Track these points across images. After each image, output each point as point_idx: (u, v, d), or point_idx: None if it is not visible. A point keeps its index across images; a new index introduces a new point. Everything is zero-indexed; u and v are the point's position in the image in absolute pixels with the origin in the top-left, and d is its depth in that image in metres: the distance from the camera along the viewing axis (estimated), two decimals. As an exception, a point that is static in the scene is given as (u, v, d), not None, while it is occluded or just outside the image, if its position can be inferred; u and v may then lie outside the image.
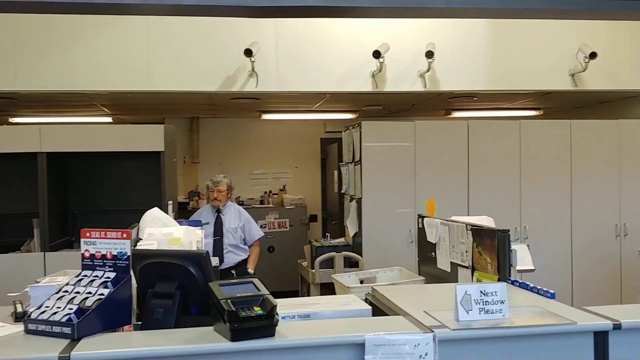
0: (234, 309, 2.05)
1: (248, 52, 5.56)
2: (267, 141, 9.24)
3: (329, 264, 5.56)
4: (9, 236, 5.36)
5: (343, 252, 5.59)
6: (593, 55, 6.28)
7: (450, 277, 3.61)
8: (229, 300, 2.08)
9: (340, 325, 2.35)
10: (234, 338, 2.04)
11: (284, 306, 2.51)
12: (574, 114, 8.60)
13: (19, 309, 2.42)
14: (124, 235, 2.33)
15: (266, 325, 2.09)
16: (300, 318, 2.42)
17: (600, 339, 2.21)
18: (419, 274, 4.18)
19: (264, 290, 2.19)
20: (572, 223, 6.11)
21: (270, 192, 9.10)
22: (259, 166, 9.25)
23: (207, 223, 5.23)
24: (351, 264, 5.63)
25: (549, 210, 6.11)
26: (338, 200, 7.48)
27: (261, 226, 8.41)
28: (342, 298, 2.72)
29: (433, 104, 7.82)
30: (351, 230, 6.08)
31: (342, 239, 6.28)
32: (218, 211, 5.55)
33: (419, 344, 2.07)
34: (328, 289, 4.91)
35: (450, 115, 8.58)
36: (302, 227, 8.51)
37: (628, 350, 2.21)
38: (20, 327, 2.22)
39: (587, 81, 6.72)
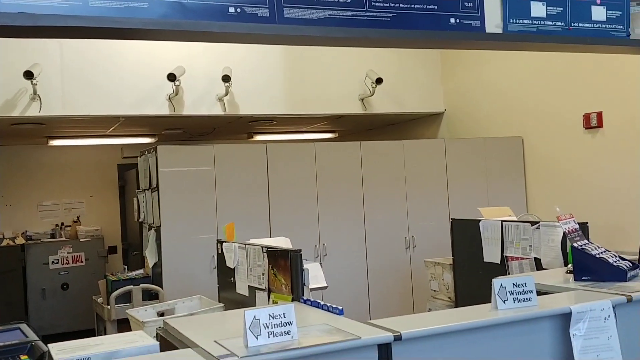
0: (-6, 361, 1.81)
1: (28, 74, 5.14)
2: (57, 169, 8.60)
3: (127, 298, 5.26)
4: None
5: (141, 285, 5.32)
6: (379, 80, 6.74)
7: (249, 301, 3.59)
8: (-12, 351, 1.84)
9: (123, 365, 2.19)
10: (-6, 394, 1.80)
11: (61, 350, 2.28)
12: (366, 135, 9.16)
13: None
14: None
15: (34, 375, 1.88)
16: (79, 362, 2.21)
17: (384, 350, 2.29)
18: (219, 301, 4.11)
19: (33, 336, 1.98)
20: (367, 238, 6.43)
21: (62, 224, 8.45)
22: (48, 197, 8.57)
23: None
24: (151, 296, 5.38)
25: (345, 227, 6.37)
26: (139, 229, 7.17)
27: (52, 262, 7.81)
28: (129, 336, 2.54)
29: (234, 128, 7.85)
30: (150, 260, 5.82)
31: (141, 271, 5.99)
32: None
33: (206, 377, 1.99)
34: (126, 324, 4.64)
35: (253, 139, 8.68)
36: (100, 260, 8.02)
37: (410, 359, 2.31)
38: None
39: (375, 105, 7.19)
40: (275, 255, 3.29)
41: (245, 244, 3.72)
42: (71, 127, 7.07)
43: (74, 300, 7.56)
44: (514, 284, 2.61)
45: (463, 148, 6.89)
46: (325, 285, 3.32)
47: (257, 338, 2.21)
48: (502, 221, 4.24)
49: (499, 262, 4.20)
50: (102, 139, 7.99)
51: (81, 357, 2.24)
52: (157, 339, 2.63)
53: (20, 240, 8.01)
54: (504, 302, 2.57)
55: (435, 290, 5.02)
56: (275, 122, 7.56)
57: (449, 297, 4.83)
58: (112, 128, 7.21)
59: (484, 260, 4.30)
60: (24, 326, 2.02)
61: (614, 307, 2.65)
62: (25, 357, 1.88)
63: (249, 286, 3.63)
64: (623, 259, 3.21)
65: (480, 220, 4.42)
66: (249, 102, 6.55)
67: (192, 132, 8.06)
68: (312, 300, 2.97)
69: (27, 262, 7.76)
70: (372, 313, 6.29)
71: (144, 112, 6.07)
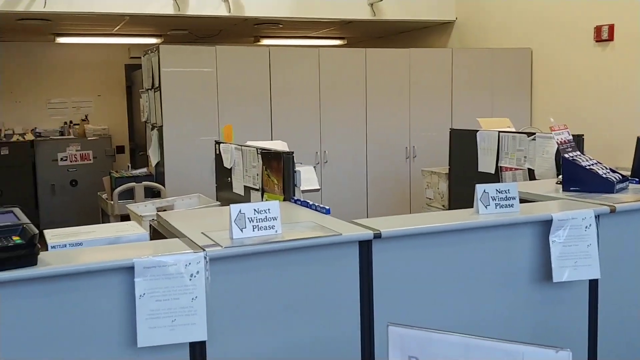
0: (-12, 240, 1.91)
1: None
2: (65, 68, 8.59)
3: (130, 195, 5.40)
4: None
5: (143, 182, 5.45)
6: (389, -15, 6.56)
7: (244, 200, 3.69)
8: (-17, 231, 1.93)
9: (111, 250, 2.29)
10: (-10, 269, 1.90)
11: (55, 236, 2.40)
12: (375, 43, 9.01)
13: None
14: None
15: (26, 254, 1.98)
16: (71, 246, 2.32)
17: (365, 247, 2.38)
18: (217, 200, 4.22)
19: (24, 219, 2.07)
20: (367, 147, 6.47)
21: (71, 122, 8.54)
22: (57, 95, 8.60)
23: None
24: (153, 194, 5.51)
25: (346, 135, 6.40)
26: (145, 130, 7.24)
27: (61, 159, 7.95)
28: (121, 225, 2.65)
29: (240, 30, 7.74)
30: (153, 159, 5.93)
31: (144, 169, 6.11)
32: None
33: (189, 264, 2.09)
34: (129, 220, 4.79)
35: (259, 43, 8.57)
36: (107, 159, 8.15)
37: (388, 256, 2.41)
38: None
39: (385, 11, 7.03)
40: (268, 157, 3.36)
41: (241, 146, 3.78)
42: (77, 24, 7.00)
43: (82, 197, 7.75)
44: (497, 189, 2.66)
45: (470, 58, 6.79)
46: (318, 187, 3.39)
47: (241, 231, 2.30)
48: (499, 132, 4.25)
49: (493, 172, 4.24)
50: (109, 38, 7.93)
51: (73, 242, 2.36)
52: (149, 232, 2.74)
53: (29, 137, 8.13)
54: (486, 207, 2.64)
55: (430, 199, 5.11)
56: (281, 26, 7.44)
57: (443, 205, 4.92)
58: (118, 27, 7.14)
59: (479, 170, 4.35)
60: (17, 210, 2.11)
61: (597, 217, 2.71)
62: (17, 238, 1.97)
63: (244, 186, 3.72)
64: (614, 172, 3.24)
65: (478, 130, 4.44)
66: (254, 3, 6.43)
67: (197, 33, 7.96)
68: (302, 200, 3.05)
69: (37, 159, 7.91)
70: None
71: (148, 10, 5.99)
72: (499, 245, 2.60)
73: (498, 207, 2.65)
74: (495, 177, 4.20)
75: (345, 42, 9.06)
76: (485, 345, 1.45)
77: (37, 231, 2.02)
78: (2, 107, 8.23)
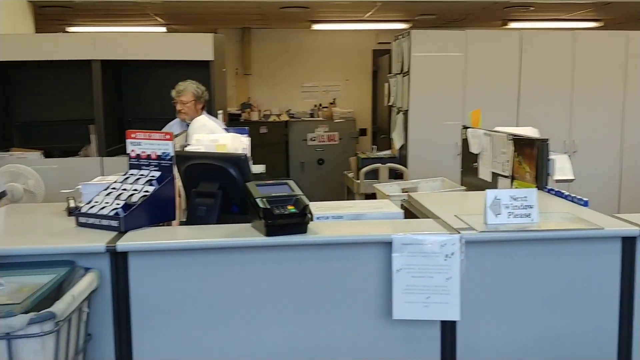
0: (268, 207, 2.15)
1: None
2: (318, 53, 9.17)
3: (374, 175, 5.64)
4: (68, 141, 5.61)
5: (388, 164, 5.65)
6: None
7: (490, 186, 3.63)
8: (264, 199, 2.18)
9: (371, 225, 2.44)
10: (268, 233, 2.15)
11: (319, 208, 2.62)
12: (637, 25, 8.17)
13: (72, 205, 2.60)
14: (167, 137, 2.43)
15: (298, 222, 2.19)
16: (333, 219, 2.52)
17: (628, 244, 2.23)
18: (462, 185, 4.22)
19: (298, 191, 2.28)
20: (624, 139, 5.95)
21: (320, 105, 9.12)
22: (309, 78, 9.23)
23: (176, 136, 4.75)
24: (396, 175, 5.69)
25: (600, 125, 5.95)
26: (388, 114, 7.47)
27: (310, 139, 8.54)
28: (377, 202, 2.80)
29: (488, 14, 7.57)
30: (397, 142, 6.10)
31: (388, 151, 6.32)
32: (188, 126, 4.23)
33: (445, 244, 2.14)
34: (373, 199, 5.00)
35: (507, 26, 8.30)
36: (351, 141, 8.55)
37: (656, 256, 2.23)
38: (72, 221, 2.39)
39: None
40: (521, 143, 3.27)
41: (490, 131, 3.73)
42: (332, 10, 7.43)
43: (328, 175, 8.26)
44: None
45: None
46: (572, 177, 3.22)
47: (496, 217, 2.30)
48: None
49: None
50: (359, 24, 8.28)
51: (335, 215, 2.55)
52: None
53: (284, 118, 8.86)
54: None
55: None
56: (532, 9, 7.12)
57: None
58: (370, 13, 7.43)
59: None
60: (291, 182, 2.33)
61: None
62: (292, 207, 2.19)
63: (492, 172, 3.67)
64: None
65: None
66: (508, -14, 6.24)
67: (445, 18, 7.95)
68: (556, 190, 2.93)
69: (290, 138, 8.59)
70: (623, 217, 5.91)
71: (399, -5, 6.13)
72: None
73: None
74: None
75: (602, 25, 8.37)
76: None
77: (308, 202, 2.22)
78: (263, 89, 9.08)
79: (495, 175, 3.62)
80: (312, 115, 8.98)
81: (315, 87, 9.28)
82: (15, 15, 5.74)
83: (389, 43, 6.64)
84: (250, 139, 3.43)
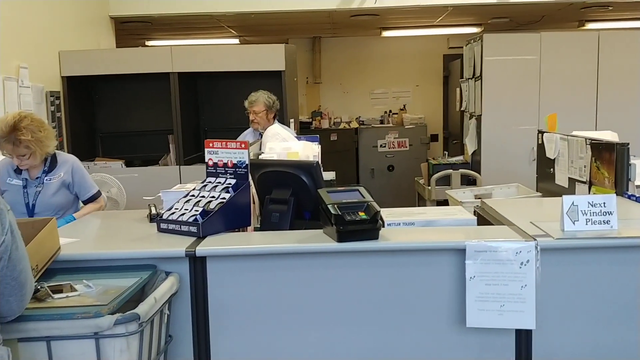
0: (340, 213, 2.18)
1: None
2: (388, 59, 9.16)
3: (445, 181, 5.59)
4: (148, 151, 5.85)
5: (460, 170, 5.58)
6: None
7: (567, 193, 3.53)
8: (335, 205, 2.21)
9: (443, 232, 2.43)
10: (339, 239, 2.18)
11: (390, 214, 2.62)
12: None
13: (153, 211, 2.71)
14: (242, 146, 2.51)
15: (370, 228, 2.21)
16: (405, 225, 2.52)
17: None
18: (537, 191, 4.12)
19: (369, 198, 2.30)
20: None
21: (390, 111, 9.10)
22: (379, 85, 9.24)
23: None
24: (469, 181, 5.61)
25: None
26: (460, 119, 7.38)
27: (380, 145, 8.53)
28: (449, 209, 2.78)
29: (564, 15, 7.37)
30: (470, 148, 6.02)
31: (460, 157, 6.25)
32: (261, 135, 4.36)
33: (520, 252, 2.11)
34: (445, 205, 4.96)
35: (584, 27, 8.05)
36: (422, 147, 8.50)
37: None
38: (154, 227, 2.50)
39: None
40: (599, 148, 3.18)
41: (567, 135, 3.64)
42: (402, 17, 7.42)
43: (398, 181, 8.23)
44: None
45: None
46: (655, 183, 3.11)
47: (574, 223, 2.24)
48: None
49: None
50: (430, 29, 8.23)
51: (407, 221, 2.55)
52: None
53: (354, 125, 8.90)
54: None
55: None
56: (611, 9, 6.88)
57: None
58: (440, 18, 7.38)
59: None
60: (362, 188, 2.36)
61: None
62: (362, 213, 2.21)
63: (568, 178, 3.57)
64: None
65: None
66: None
67: (518, 20, 7.79)
68: (637, 196, 2.84)
69: (359, 144, 8.62)
70: None
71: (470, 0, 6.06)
72: None
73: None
74: None
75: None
76: None
77: (379, 208, 2.24)
78: (333, 97, 9.15)
79: (572, 181, 3.53)
80: (381, 122, 8.98)
81: (385, 93, 9.27)
82: (99, 31, 6.03)
83: (461, 47, 6.56)
84: (320, 146, 3.48)
